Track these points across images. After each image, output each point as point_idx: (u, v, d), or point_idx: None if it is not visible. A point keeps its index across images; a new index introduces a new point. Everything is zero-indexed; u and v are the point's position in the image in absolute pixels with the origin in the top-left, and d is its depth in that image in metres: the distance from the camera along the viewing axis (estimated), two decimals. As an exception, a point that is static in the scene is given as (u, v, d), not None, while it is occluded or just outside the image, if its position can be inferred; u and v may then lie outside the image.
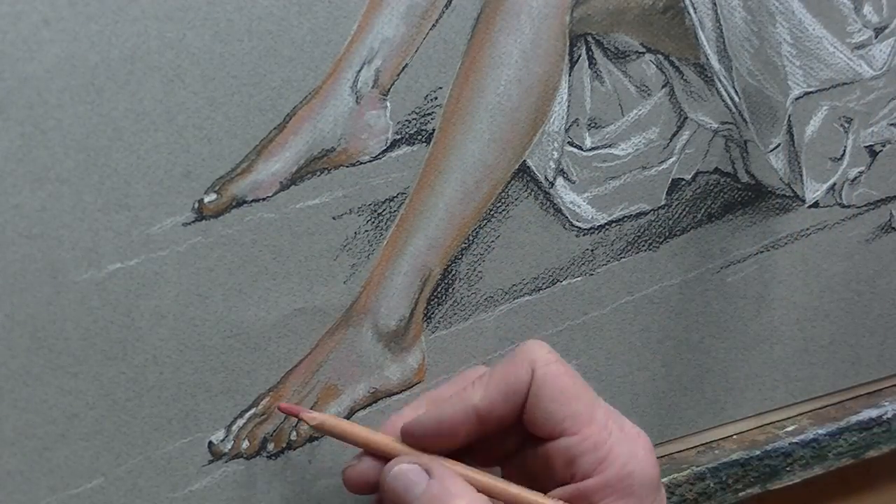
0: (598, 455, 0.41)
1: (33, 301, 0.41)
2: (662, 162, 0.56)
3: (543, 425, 0.42)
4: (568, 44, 0.52)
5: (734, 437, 0.62)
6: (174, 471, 0.45)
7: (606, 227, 0.55)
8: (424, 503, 0.42)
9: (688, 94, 0.56)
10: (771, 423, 0.63)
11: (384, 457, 0.44)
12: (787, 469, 0.62)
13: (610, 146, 0.54)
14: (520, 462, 0.45)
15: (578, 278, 0.54)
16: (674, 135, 0.56)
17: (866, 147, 0.63)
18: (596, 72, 0.53)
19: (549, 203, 0.53)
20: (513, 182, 0.51)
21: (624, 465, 0.41)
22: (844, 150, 0.62)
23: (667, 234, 0.57)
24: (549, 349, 0.43)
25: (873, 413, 0.65)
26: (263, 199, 0.45)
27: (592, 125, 0.53)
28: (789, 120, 0.59)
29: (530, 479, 0.43)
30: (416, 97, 0.48)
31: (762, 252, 0.60)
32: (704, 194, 0.58)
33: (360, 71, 0.46)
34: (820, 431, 0.63)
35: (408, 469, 0.43)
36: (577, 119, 0.53)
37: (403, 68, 0.47)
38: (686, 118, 0.56)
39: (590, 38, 0.53)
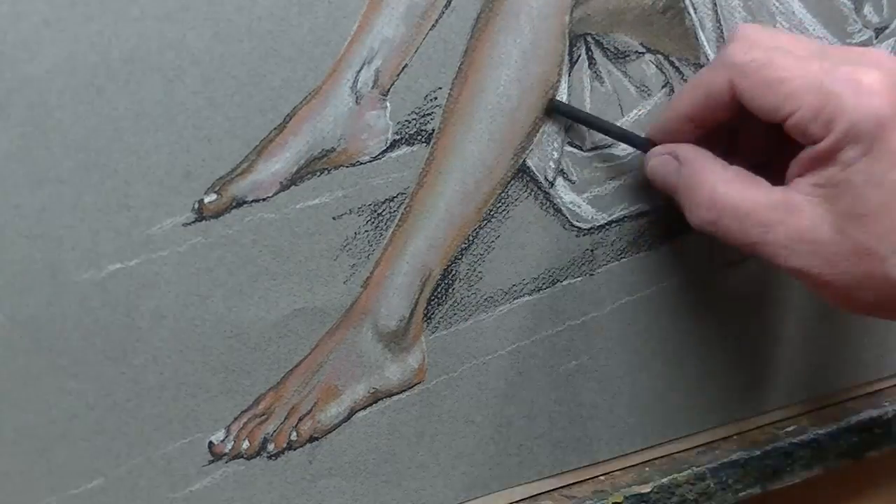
0: (822, 119, 0.43)
1: (33, 301, 0.41)
2: (662, 162, 0.56)
3: (765, 116, 0.45)
4: (568, 44, 0.52)
5: (734, 437, 0.62)
6: (174, 471, 0.45)
7: (606, 227, 0.55)
8: (681, 188, 0.48)
9: (688, 95, 0.56)
10: (771, 423, 0.63)
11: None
12: (788, 469, 0.62)
13: (610, 146, 0.54)
14: (765, 135, 0.48)
15: (578, 278, 0.54)
16: (674, 135, 0.56)
17: (866, 147, 0.63)
18: (596, 72, 0.53)
19: (549, 203, 0.53)
20: (513, 182, 0.51)
21: (848, 118, 0.42)
22: (844, 151, 0.62)
23: (667, 234, 0.57)
24: (746, 42, 0.46)
25: (873, 413, 0.65)
26: (263, 200, 0.45)
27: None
28: (789, 120, 0.59)
29: (787, 155, 0.46)
30: (416, 97, 0.48)
31: (762, 252, 0.60)
32: (704, 194, 0.58)
33: (360, 71, 0.46)
34: (820, 431, 0.63)
35: (659, 159, 0.49)
36: (577, 119, 0.53)
37: (403, 68, 0.47)
38: (686, 118, 0.56)
39: (590, 39, 0.53)
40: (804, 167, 0.44)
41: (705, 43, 0.56)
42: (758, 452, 0.60)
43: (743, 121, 0.47)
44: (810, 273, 0.45)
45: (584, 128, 0.53)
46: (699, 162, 0.47)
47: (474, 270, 0.51)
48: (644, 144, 0.50)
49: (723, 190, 0.46)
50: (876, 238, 0.43)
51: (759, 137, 0.49)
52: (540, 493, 0.55)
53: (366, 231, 0.48)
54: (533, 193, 0.52)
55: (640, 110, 0.55)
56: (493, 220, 0.51)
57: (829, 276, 0.44)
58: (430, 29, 0.48)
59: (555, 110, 0.51)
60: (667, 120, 0.50)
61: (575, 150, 0.53)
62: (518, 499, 0.55)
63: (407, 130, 0.48)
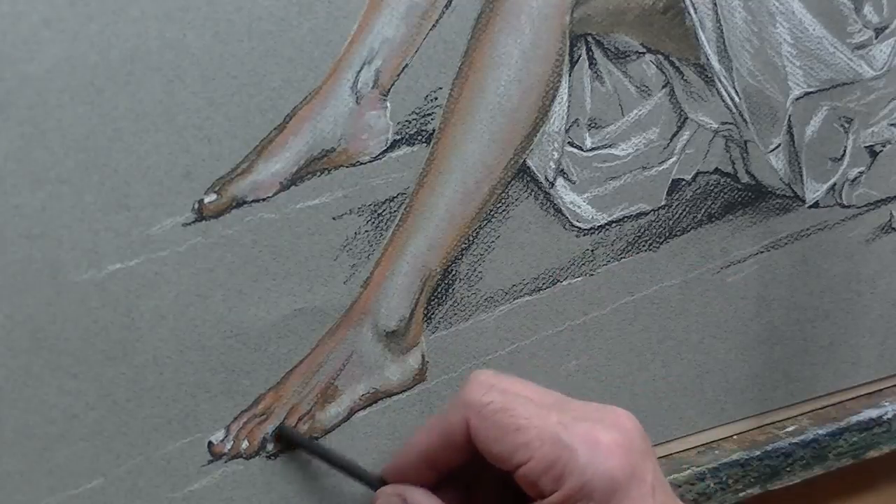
0: (554, 473, 0.41)
1: (33, 301, 0.41)
2: (663, 162, 0.56)
3: (498, 464, 0.43)
4: (568, 44, 0.51)
5: (734, 437, 0.62)
6: (174, 471, 0.45)
7: (606, 227, 0.55)
8: None
9: (688, 95, 0.56)
10: (771, 423, 0.63)
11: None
12: (787, 469, 0.62)
13: (610, 146, 0.54)
14: (499, 486, 0.46)
15: (578, 278, 0.54)
16: (674, 135, 0.56)
17: (866, 147, 0.63)
18: (596, 72, 0.53)
19: (549, 203, 0.53)
20: (513, 182, 0.51)
21: (581, 475, 0.41)
22: (844, 151, 0.62)
23: (667, 234, 0.57)
24: (484, 385, 0.44)
25: (873, 413, 0.65)
26: (263, 200, 0.45)
27: (592, 125, 0.53)
28: (789, 120, 0.59)
29: (518, 500, 0.44)
30: (416, 97, 0.48)
31: (762, 252, 0.60)
32: (704, 194, 0.58)
33: (360, 71, 0.46)
34: (820, 432, 0.63)
35: (388, 500, 0.46)
36: (577, 119, 0.53)
37: (403, 68, 0.47)
38: (686, 118, 0.56)
39: (590, 39, 0.53)
40: None
41: (705, 43, 0.56)
42: (758, 452, 0.60)
43: (479, 466, 0.45)
44: None
45: (584, 128, 0.53)
46: None
47: (474, 270, 0.51)
48: (374, 482, 0.47)
49: None
50: None
51: (495, 486, 0.47)
52: (540, 493, 0.55)
53: (366, 231, 0.48)
54: (533, 193, 0.52)
55: (640, 110, 0.55)
56: (493, 220, 0.51)
57: None
58: (431, 29, 0.48)
59: (282, 440, 0.48)
60: (402, 459, 0.46)
61: (575, 151, 0.53)
62: (518, 499, 0.55)
63: (407, 130, 0.48)
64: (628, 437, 0.42)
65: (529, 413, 0.42)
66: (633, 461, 0.42)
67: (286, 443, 0.48)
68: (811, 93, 0.59)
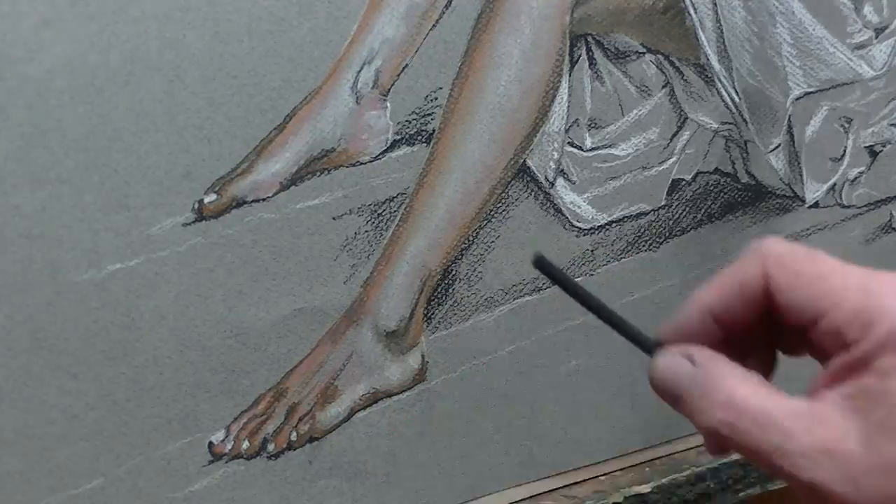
0: (860, 321, 0.40)
1: (33, 301, 0.41)
2: (663, 162, 0.56)
3: (795, 315, 0.41)
4: (568, 44, 0.51)
5: (734, 437, 0.62)
6: (174, 471, 0.45)
7: (606, 227, 0.55)
8: (695, 391, 0.42)
9: (688, 95, 0.56)
10: (771, 423, 0.63)
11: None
12: (788, 469, 0.62)
13: (610, 146, 0.54)
14: (794, 349, 0.45)
15: (578, 278, 0.54)
16: (674, 135, 0.56)
17: (866, 147, 0.63)
18: (596, 72, 0.53)
19: (549, 203, 0.53)
20: (513, 182, 0.51)
21: (891, 321, 0.39)
22: (844, 151, 0.62)
23: (667, 234, 0.57)
24: (784, 243, 0.42)
25: (873, 413, 0.65)
26: (263, 200, 0.45)
27: (592, 125, 0.53)
28: (789, 120, 0.59)
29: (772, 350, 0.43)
30: (416, 97, 0.48)
31: (762, 252, 0.60)
32: (704, 194, 0.58)
33: (360, 71, 0.46)
34: (820, 432, 0.63)
35: (670, 361, 0.43)
36: (577, 119, 0.53)
37: (403, 69, 0.47)
38: (686, 118, 0.56)
39: (590, 39, 0.53)
40: (832, 377, 0.41)
41: (705, 43, 0.56)
42: (758, 452, 0.60)
43: (762, 333, 0.44)
44: (831, 489, 0.40)
45: (584, 128, 0.53)
46: (718, 365, 0.42)
47: (474, 270, 0.51)
48: (651, 345, 0.44)
49: (743, 392, 0.42)
50: None
51: (771, 356, 0.46)
52: (540, 493, 0.55)
53: (366, 231, 0.48)
54: (533, 193, 0.52)
55: (640, 110, 0.55)
56: (493, 220, 0.51)
57: (850, 495, 0.40)
58: (431, 29, 0.48)
59: (541, 268, 0.44)
60: (688, 316, 0.44)
61: (575, 151, 0.53)
62: (518, 499, 0.55)
63: (407, 130, 0.48)
64: None
65: (832, 263, 0.41)
66: None
67: (545, 271, 0.44)
68: (811, 93, 0.59)
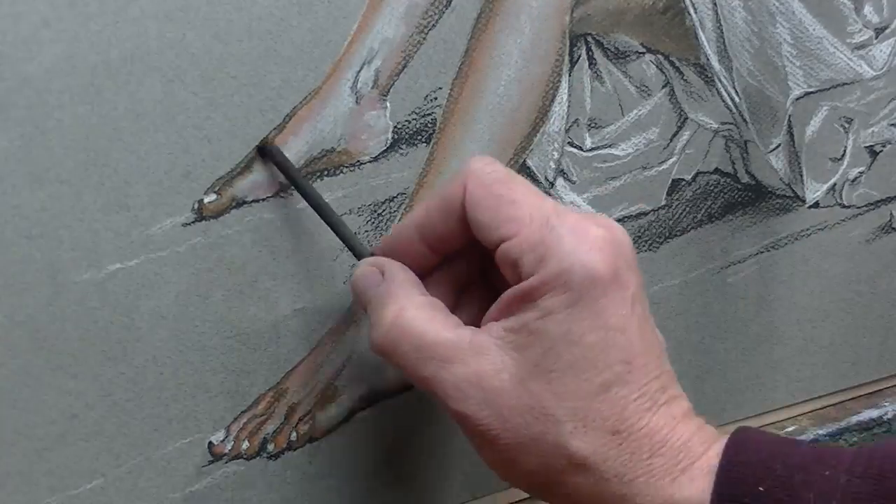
0: (536, 254, 0.39)
1: (33, 301, 0.41)
2: (662, 162, 0.56)
3: (482, 234, 0.41)
4: (568, 44, 0.51)
5: (734, 437, 0.62)
6: (174, 471, 0.45)
7: (606, 227, 0.55)
8: (375, 300, 0.43)
9: (688, 95, 0.56)
10: (771, 423, 0.63)
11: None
12: (788, 469, 0.62)
13: (610, 146, 0.54)
14: (486, 277, 0.45)
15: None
16: (674, 135, 0.56)
17: (866, 147, 0.63)
18: (596, 72, 0.53)
19: (549, 203, 0.53)
20: (513, 182, 0.51)
21: (561, 260, 0.39)
22: (845, 151, 0.62)
23: (667, 234, 0.57)
24: (489, 161, 0.42)
25: (873, 413, 0.65)
26: (263, 200, 0.45)
27: (592, 125, 0.53)
28: (789, 120, 0.59)
29: (497, 292, 0.42)
30: (416, 97, 0.48)
31: (762, 252, 0.60)
32: (705, 194, 0.58)
33: (359, 71, 0.46)
34: (820, 432, 0.63)
35: (364, 270, 0.44)
36: (577, 119, 0.53)
37: (403, 68, 0.47)
38: (686, 118, 0.56)
39: (590, 39, 0.53)
40: (503, 308, 0.41)
41: (705, 43, 0.56)
42: (758, 452, 0.60)
43: (472, 262, 0.44)
44: (478, 423, 0.40)
45: (584, 128, 0.53)
46: (398, 281, 0.43)
47: (474, 270, 0.51)
48: (363, 254, 0.45)
49: (411, 314, 0.41)
50: (557, 399, 0.39)
51: (483, 294, 0.45)
52: (540, 494, 0.55)
53: (366, 231, 0.48)
54: (533, 193, 0.52)
55: (640, 110, 0.55)
56: (493, 220, 0.51)
57: (498, 431, 0.40)
58: (430, 29, 0.48)
59: (267, 155, 0.44)
60: (396, 231, 0.45)
61: (575, 151, 0.53)
62: (518, 499, 0.55)
63: (407, 130, 0.48)
64: (617, 241, 0.41)
65: (527, 192, 0.41)
66: (618, 264, 0.40)
67: (273, 160, 0.44)
68: (811, 93, 0.59)
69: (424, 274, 0.44)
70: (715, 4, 0.55)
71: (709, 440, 0.41)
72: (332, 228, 0.45)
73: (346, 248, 0.46)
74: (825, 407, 0.65)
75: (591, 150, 0.54)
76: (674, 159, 0.56)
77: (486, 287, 0.45)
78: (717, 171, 0.58)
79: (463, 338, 0.41)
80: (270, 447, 0.48)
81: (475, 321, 0.42)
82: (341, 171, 0.47)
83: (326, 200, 0.45)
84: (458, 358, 0.40)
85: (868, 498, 0.38)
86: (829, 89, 0.60)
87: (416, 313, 0.41)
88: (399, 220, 0.49)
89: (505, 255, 0.40)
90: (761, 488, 0.39)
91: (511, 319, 0.40)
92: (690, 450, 0.40)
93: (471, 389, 0.40)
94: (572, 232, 0.40)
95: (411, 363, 0.41)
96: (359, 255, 0.45)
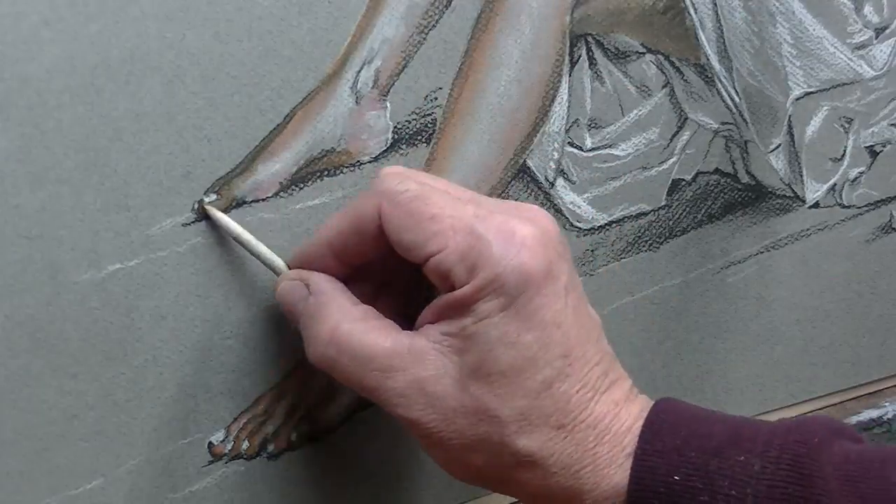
0: (466, 263, 0.40)
1: (33, 301, 0.41)
2: (663, 162, 0.56)
3: (408, 254, 0.41)
4: (568, 44, 0.51)
5: (734, 437, 0.62)
6: (174, 471, 0.45)
7: (607, 227, 0.55)
8: (306, 316, 0.43)
9: (688, 95, 0.56)
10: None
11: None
12: (788, 469, 0.62)
13: (610, 146, 0.54)
14: (409, 284, 0.45)
15: (579, 279, 0.54)
16: (674, 135, 0.56)
17: (867, 147, 0.63)
18: (596, 72, 0.53)
19: (549, 203, 0.53)
20: (513, 182, 0.51)
21: (494, 266, 0.39)
22: (845, 151, 0.62)
23: (667, 234, 0.57)
24: (399, 178, 0.42)
25: (873, 413, 0.65)
26: (263, 200, 0.45)
27: (593, 125, 0.53)
28: (790, 120, 0.59)
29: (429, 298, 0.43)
30: (416, 97, 0.48)
31: (762, 252, 0.60)
32: (705, 195, 0.58)
33: (359, 71, 0.46)
34: (820, 432, 0.63)
35: (289, 285, 0.44)
36: (577, 119, 0.53)
37: (403, 68, 0.47)
38: (686, 118, 0.56)
39: (590, 39, 0.53)
40: (438, 313, 0.41)
41: (705, 43, 0.56)
42: (758, 452, 0.60)
43: (389, 262, 0.43)
44: (425, 426, 0.41)
45: (584, 128, 0.53)
46: (328, 294, 0.43)
47: (474, 270, 0.51)
48: (280, 269, 0.45)
49: (346, 328, 0.41)
50: (499, 400, 0.40)
51: (405, 283, 0.45)
52: (540, 494, 0.55)
53: (366, 231, 0.48)
54: (533, 194, 0.52)
55: (640, 110, 0.55)
56: (493, 220, 0.51)
57: (444, 433, 0.41)
58: (430, 29, 0.48)
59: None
60: (308, 248, 0.44)
61: (575, 151, 0.53)
62: (518, 499, 0.55)
63: (407, 130, 0.48)
64: (545, 234, 0.41)
65: (445, 203, 0.41)
66: (548, 257, 0.40)
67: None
68: (811, 93, 0.59)
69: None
70: (715, 4, 0.55)
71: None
72: (246, 248, 0.45)
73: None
74: (825, 407, 0.65)
75: (592, 150, 0.54)
76: (674, 159, 0.56)
77: (404, 282, 0.45)
78: (717, 171, 0.58)
79: (402, 345, 0.41)
80: (270, 447, 0.48)
81: (399, 318, 0.43)
82: (341, 171, 0.47)
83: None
84: (399, 366, 0.41)
85: (783, 484, 0.39)
86: (829, 89, 0.60)
87: (351, 327, 0.41)
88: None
89: (435, 269, 0.41)
90: (676, 477, 0.40)
91: (447, 323, 0.41)
92: (634, 434, 0.41)
93: (414, 395, 0.41)
94: (499, 235, 0.40)
95: (354, 376, 0.41)
96: (276, 271, 0.45)
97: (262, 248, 0.45)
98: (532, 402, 0.40)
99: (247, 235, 0.44)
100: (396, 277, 0.45)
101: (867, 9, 0.60)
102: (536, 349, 0.40)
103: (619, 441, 0.41)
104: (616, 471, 0.41)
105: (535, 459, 0.41)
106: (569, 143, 0.53)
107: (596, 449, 0.41)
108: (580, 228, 0.54)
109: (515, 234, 0.40)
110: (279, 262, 0.45)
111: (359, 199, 0.43)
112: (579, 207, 0.54)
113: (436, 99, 0.48)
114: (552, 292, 0.40)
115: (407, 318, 0.43)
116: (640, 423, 0.42)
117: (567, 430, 0.41)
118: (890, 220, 0.65)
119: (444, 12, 0.48)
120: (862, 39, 0.60)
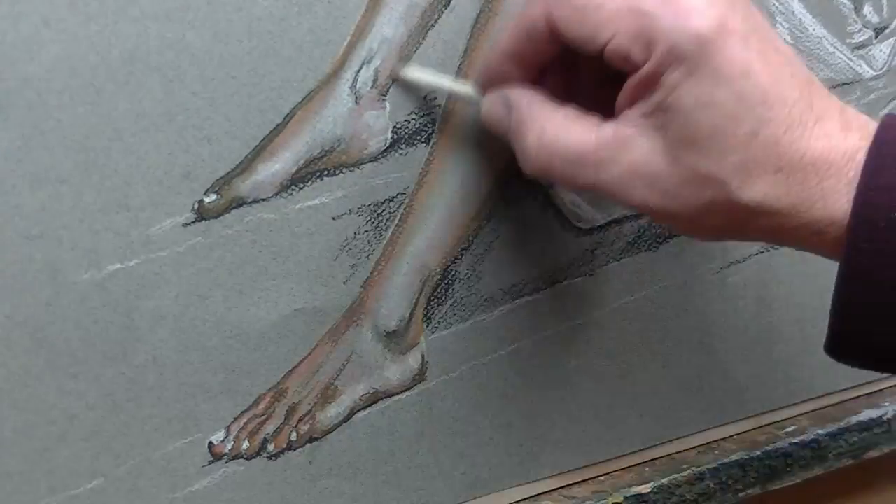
0: (641, 43, 0.41)
1: (33, 301, 0.41)
2: (662, 162, 0.56)
3: (584, 48, 0.42)
4: (568, 44, 0.51)
5: (734, 437, 0.62)
6: (174, 471, 0.45)
7: (606, 227, 0.55)
8: (513, 131, 0.45)
9: (688, 95, 0.56)
10: (771, 423, 0.63)
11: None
12: (787, 470, 0.62)
13: (610, 146, 0.54)
14: (596, 74, 0.46)
15: (578, 278, 0.54)
16: (674, 135, 0.56)
17: (866, 147, 0.63)
18: (596, 72, 0.53)
19: (549, 203, 0.53)
20: (513, 182, 0.51)
21: (666, 39, 0.40)
22: (844, 151, 0.62)
23: (667, 234, 0.57)
24: None
25: (873, 413, 0.65)
26: (263, 200, 0.45)
27: (592, 125, 0.53)
28: (789, 120, 0.59)
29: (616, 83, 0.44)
30: (415, 97, 0.48)
31: (762, 252, 0.60)
32: (704, 194, 0.58)
33: (359, 71, 0.46)
34: (820, 432, 0.63)
35: (489, 104, 0.46)
36: (577, 119, 0.53)
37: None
38: (686, 118, 0.56)
39: (590, 39, 0.52)
40: (630, 97, 0.42)
41: (705, 43, 0.55)
42: (758, 453, 0.60)
43: (572, 59, 0.45)
44: (653, 207, 0.42)
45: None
46: (527, 105, 0.45)
47: (474, 270, 0.51)
48: (471, 95, 0.47)
49: (551, 133, 0.43)
50: (713, 162, 0.41)
51: (592, 75, 0.46)
52: (540, 494, 0.55)
53: (366, 231, 0.48)
54: (533, 193, 0.52)
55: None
56: (493, 220, 0.51)
57: (672, 208, 0.42)
58: (430, 29, 0.48)
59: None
60: (488, 64, 0.46)
61: (575, 150, 0.53)
62: (518, 499, 0.55)
63: (407, 130, 0.48)
64: None
65: None
66: (718, 13, 0.40)
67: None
68: (811, 93, 0.59)
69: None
70: (715, 4, 0.55)
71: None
72: (433, 89, 0.48)
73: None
74: (825, 407, 0.65)
75: (591, 150, 0.54)
76: (674, 159, 0.56)
77: (594, 77, 0.46)
78: (716, 171, 0.58)
79: (606, 136, 0.42)
80: (270, 447, 0.48)
81: (593, 104, 0.44)
82: (341, 171, 0.47)
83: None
84: (609, 157, 0.42)
85: None
86: (828, 89, 0.60)
87: (556, 131, 0.43)
88: (399, 220, 0.49)
89: (614, 56, 0.42)
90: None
91: (643, 104, 0.42)
92: (857, 162, 0.41)
93: (632, 180, 0.42)
94: (664, 6, 0.41)
95: (569, 176, 0.43)
96: (471, 98, 0.47)
97: (446, 82, 0.48)
98: (744, 155, 0.41)
99: (427, 77, 0.47)
100: (586, 73, 0.46)
101: (867, 9, 0.60)
102: (733, 104, 0.40)
103: (845, 174, 0.41)
104: (848, 203, 0.41)
105: (764, 207, 0.41)
106: (569, 142, 0.53)
107: (822, 184, 0.41)
108: (580, 228, 0.54)
109: (679, 3, 0.41)
110: (467, 88, 0.47)
111: (526, 6, 0.44)
112: (579, 207, 0.54)
113: (436, 99, 0.49)
114: (731, 45, 0.40)
115: (604, 111, 0.44)
116: (863, 153, 0.41)
117: (786, 171, 0.41)
118: (890, 220, 0.65)
119: (443, 12, 0.48)
120: (861, 39, 0.61)
